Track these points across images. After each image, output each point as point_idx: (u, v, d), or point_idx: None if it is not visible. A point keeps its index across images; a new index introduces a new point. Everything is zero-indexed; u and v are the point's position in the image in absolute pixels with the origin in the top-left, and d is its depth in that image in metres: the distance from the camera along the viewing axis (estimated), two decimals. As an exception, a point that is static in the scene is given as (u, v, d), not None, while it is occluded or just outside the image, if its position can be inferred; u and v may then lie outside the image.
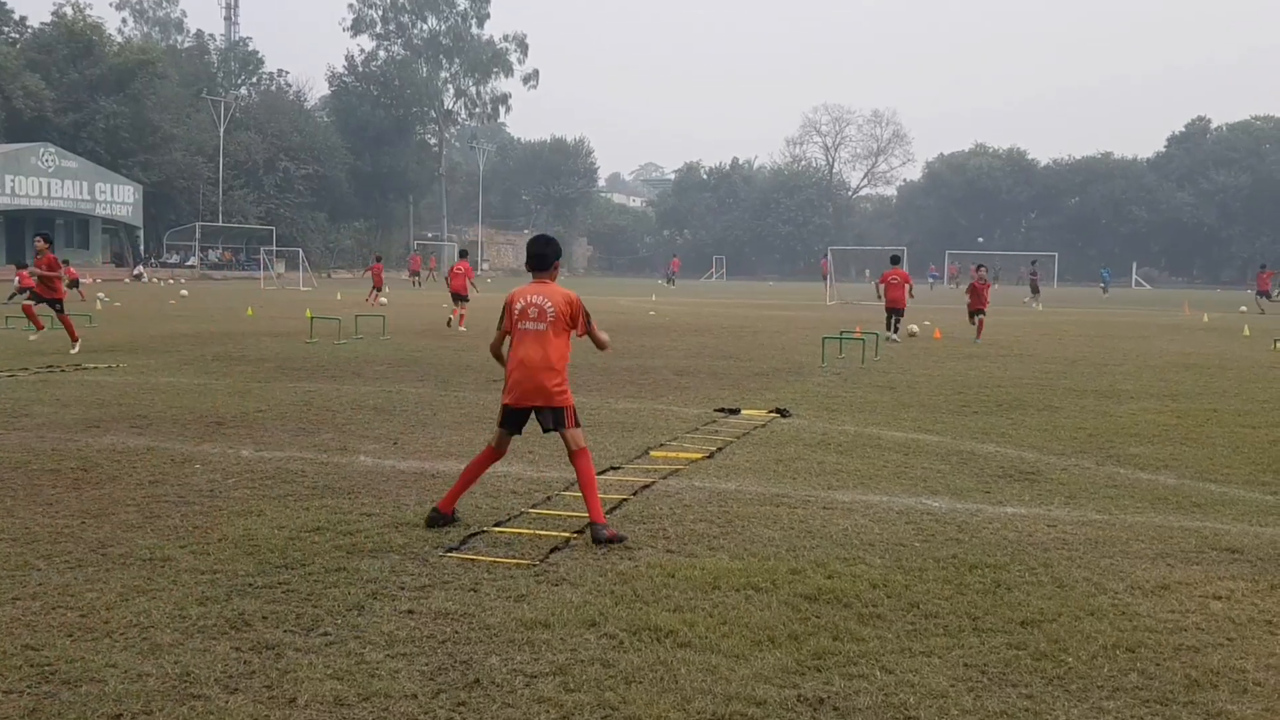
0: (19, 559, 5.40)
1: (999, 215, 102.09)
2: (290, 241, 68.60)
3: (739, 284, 79.18)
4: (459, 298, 23.24)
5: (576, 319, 6.28)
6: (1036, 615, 4.77)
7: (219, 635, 4.41)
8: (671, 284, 65.03)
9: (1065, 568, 5.54)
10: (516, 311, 6.29)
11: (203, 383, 12.95)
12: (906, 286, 22.55)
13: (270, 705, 3.76)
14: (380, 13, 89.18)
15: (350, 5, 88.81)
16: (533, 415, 6.25)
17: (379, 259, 38.07)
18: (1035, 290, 45.37)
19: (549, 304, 6.22)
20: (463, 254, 26.58)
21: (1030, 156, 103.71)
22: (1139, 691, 3.97)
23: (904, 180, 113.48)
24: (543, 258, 6.41)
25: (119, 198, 62.41)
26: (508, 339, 6.36)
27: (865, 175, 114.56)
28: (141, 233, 65.44)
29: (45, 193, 57.11)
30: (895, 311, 22.11)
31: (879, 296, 22.95)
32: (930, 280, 74.77)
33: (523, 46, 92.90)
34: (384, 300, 33.38)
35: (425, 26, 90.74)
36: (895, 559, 5.65)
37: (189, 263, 66.29)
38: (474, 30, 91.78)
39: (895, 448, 9.18)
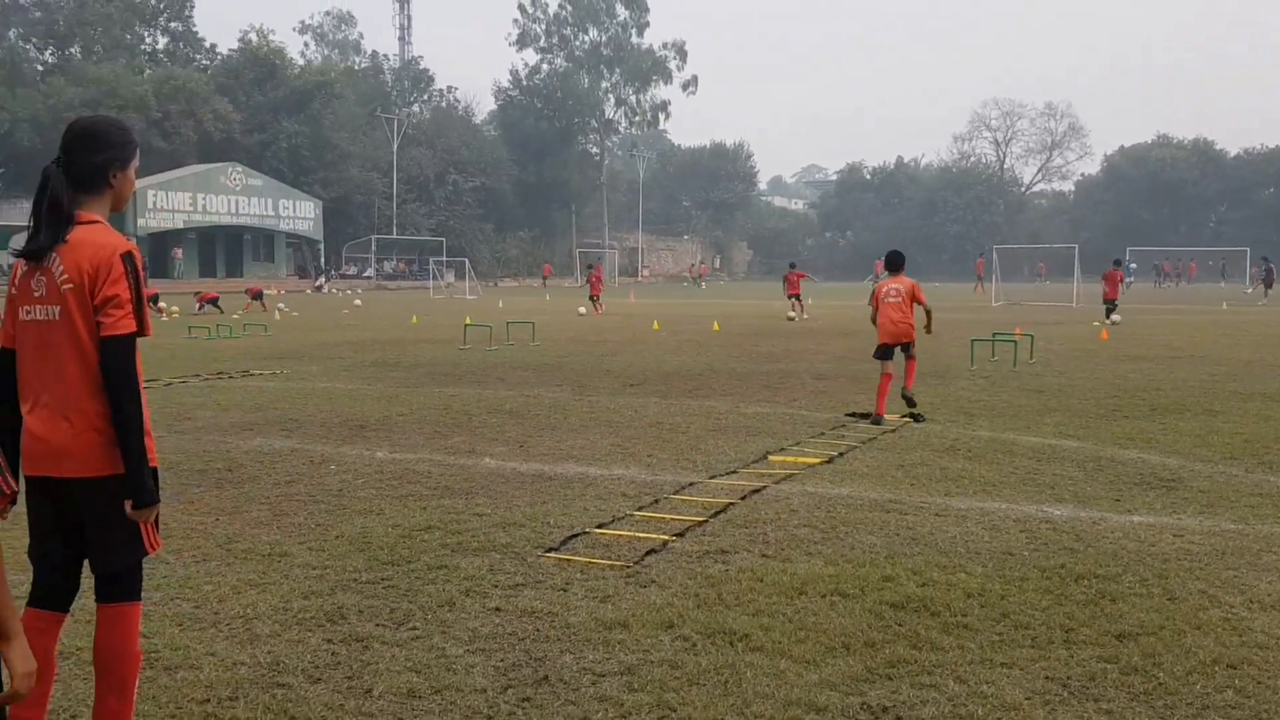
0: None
1: (1184, 210, 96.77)
2: (459, 252, 70.99)
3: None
4: (795, 297, 31.37)
5: (917, 295, 11.15)
6: (1135, 628, 4.54)
7: (314, 627, 4.64)
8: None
9: (1181, 579, 5.25)
10: (883, 293, 11.28)
11: (355, 388, 13.56)
12: (1118, 284, 29.13)
13: (348, 695, 3.95)
14: (544, 26, 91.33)
15: (515, 20, 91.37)
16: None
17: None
18: (1269, 285, 45.94)
19: (901, 288, 11.22)
20: (792, 265, 33.96)
21: (1219, 147, 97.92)
22: (1231, 710, 3.75)
23: (1081, 175, 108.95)
24: (895, 262, 11.56)
25: (301, 213, 65.92)
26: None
27: (1039, 171, 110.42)
28: (322, 246, 68.88)
29: (234, 210, 60.81)
30: (1110, 302, 28.37)
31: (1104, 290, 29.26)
32: (1129, 281, 70.79)
33: (681, 53, 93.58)
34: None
35: (586, 38, 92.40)
36: (998, 568, 5.47)
37: (365, 274, 69.41)
38: (634, 39, 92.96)
39: (1028, 453, 8.86)
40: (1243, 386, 13.46)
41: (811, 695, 3.88)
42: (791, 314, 30.63)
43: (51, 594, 3.30)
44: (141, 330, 3.19)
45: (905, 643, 4.39)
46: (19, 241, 3.26)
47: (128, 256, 3.19)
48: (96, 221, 3.25)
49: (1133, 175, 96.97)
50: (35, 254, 3.18)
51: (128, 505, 3.18)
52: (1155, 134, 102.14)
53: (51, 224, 3.18)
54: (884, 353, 11.25)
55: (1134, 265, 71.94)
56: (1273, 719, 3.68)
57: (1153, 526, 6.36)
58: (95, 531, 3.21)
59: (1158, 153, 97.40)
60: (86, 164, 3.25)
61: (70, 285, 3.15)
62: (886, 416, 10.73)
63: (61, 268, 3.16)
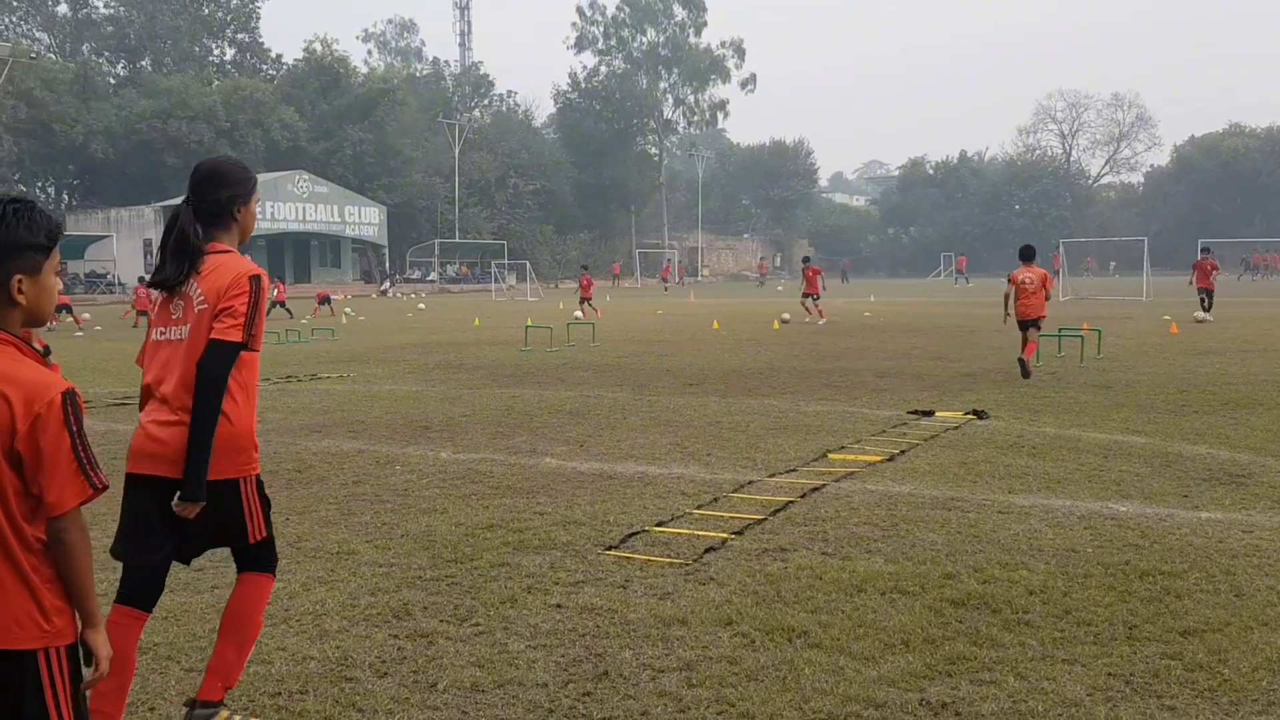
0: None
1: (1259, 200, 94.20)
2: (520, 254, 71.50)
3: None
4: (813, 297, 27.64)
5: (1048, 284, 14.21)
6: (1201, 625, 4.49)
7: (381, 623, 4.76)
8: (968, 282, 64.15)
9: (1249, 576, 5.16)
10: (1017, 280, 14.13)
11: (420, 390, 13.77)
12: (1210, 273, 27.22)
13: (413, 689, 4.05)
14: (601, 29, 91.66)
15: (573, 24, 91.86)
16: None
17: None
18: None
19: (1034, 276, 14.09)
20: (805, 260, 30.37)
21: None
22: (1298, 708, 3.69)
23: (1150, 166, 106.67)
24: (1028, 254, 14.53)
25: (366, 219, 66.85)
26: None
27: (1106, 162, 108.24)
28: (387, 251, 69.80)
29: (301, 217, 61.85)
30: (1207, 292, 26.83)
31: (1191, 282, 27.82)
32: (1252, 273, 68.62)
33: (740, 52, 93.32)
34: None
35: (644, 39, 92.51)
36: (1060, 565, 5.42)
37: (429, 278, 70.23)
38: (692, 39, 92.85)
39: (1094, 450, 8.74)
40: (1319, 380, 13.13)
41: (870, 691, 3.90)
42: (807, 317, 26.91)
43: (139, 593, 3.46)
44: (249, 344, 3.41)
45: (965, 639, 4.39)
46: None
47: (255, 278, 3.46)
48: (229, 251, 3.52)
49: (1204, 166, 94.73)
50: (164, 285, 3.45)
51: (176, 497, 3.35)
52: (1227, 123, 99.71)
53: (177, 257, 3.46)
54: (1022, 326, 14.13)
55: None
56: (1342, 717, 3.62)
57: (1221, 523, 6.25)
58: (227, 525, 3.51)
59: (1230, 142, 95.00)
60: (213, 201, 3.54)
61: (205, 306, 3.42)
62: (937, 413, 10.97)
63: (199, 291, 3.43)
